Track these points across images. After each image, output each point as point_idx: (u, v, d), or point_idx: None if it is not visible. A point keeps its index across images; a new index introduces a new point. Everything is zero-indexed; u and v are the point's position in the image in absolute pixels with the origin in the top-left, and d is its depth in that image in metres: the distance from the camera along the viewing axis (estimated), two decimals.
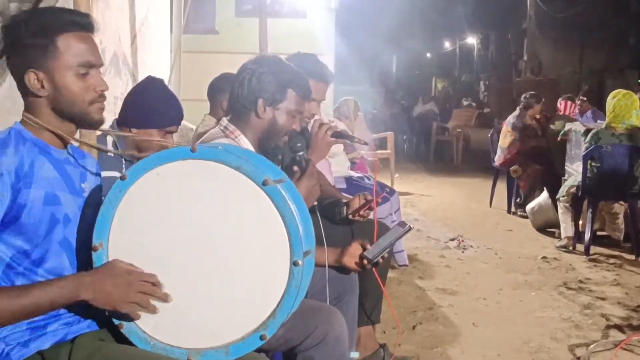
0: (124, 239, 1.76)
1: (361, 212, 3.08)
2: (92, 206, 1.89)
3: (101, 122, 1.86)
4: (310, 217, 1.91)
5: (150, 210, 1.76)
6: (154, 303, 1.72)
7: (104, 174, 2.11)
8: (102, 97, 1.84)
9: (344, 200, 3.25)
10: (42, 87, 1.77)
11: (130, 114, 2.93)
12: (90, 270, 1.73)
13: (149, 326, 1.78)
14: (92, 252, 1.76)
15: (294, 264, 1.72)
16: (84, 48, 1.80)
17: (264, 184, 1.70)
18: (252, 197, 1.71)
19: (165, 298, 1.72)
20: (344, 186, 4.81)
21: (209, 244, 1.74)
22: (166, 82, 5.88)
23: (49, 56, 1.76)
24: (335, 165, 4.82)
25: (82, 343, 1.77)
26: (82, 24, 1.80)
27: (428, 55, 48.20)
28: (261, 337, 1.75)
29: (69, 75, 1.78)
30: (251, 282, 1.75)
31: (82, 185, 1.91)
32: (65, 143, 1.88)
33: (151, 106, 2.88)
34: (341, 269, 2.74)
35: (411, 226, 2.92)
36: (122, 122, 2.93)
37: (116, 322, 1.77)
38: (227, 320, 1.77)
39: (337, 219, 3.16)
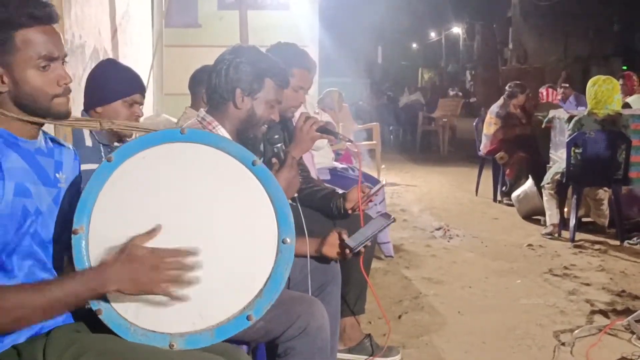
0: (106, 222, 1.72)
1: (362, 206, 3.06)
2: (71, 196, 1.86)
3: (68, 113, 1.82)
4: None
5: (135, 193, 1.73)
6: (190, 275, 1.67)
7: (83, 166, 2.09)
8: (66, 90, 1.80)
9: (340, 192, 3.23)
10: (2, 82, 1.73)
11: (91, 95, 2.95)
12: (109, 260, 1.66)
13: (130, 312, 1.74)
14: (72, 236, 1.71)
15: (283, 241, 1.71)
16: (44, 41, 1.74)
17: (253, 164, 1.70)
18: (241, 178, 1.71)
19: (194, 266, 1.67)
20: (328, 177, 4.79)
21: (194, 226, 1.72)
22: (147, 76, 5.85)
23: (6, 52, 1.71)
24: (319, 157, 4.80)
25: (57, 335, 1.75)
26: (41, 17, 1.74)
27: (414, 45, 48.28)
28: (248, 318, 1.72)
29: (29, 70, 1.73)
30: (238, 263, 1.73)
31: (57, 175, 1.86)
32: (36, 133, 1.83)
33: (106, 80, 2.91)
34: (322, 259, 2.73)
35: (394, 218, 2.92)
36: (87, 107, 2.94)
37: (95, 307, 1.72)
38: (212, 302, 1.74)
39: (334, 212, 3.14)
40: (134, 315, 1.74)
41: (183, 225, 1.72)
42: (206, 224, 1.72)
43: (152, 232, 1.68)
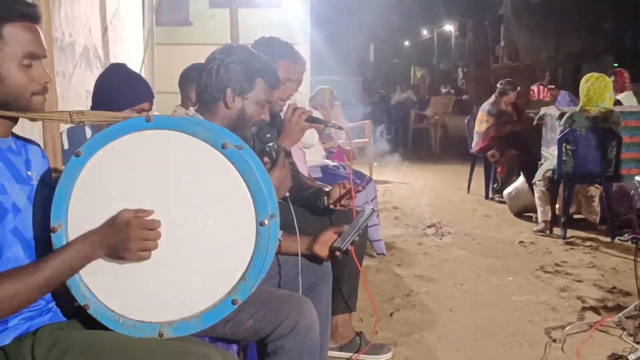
0: (83, 217, 1.73)
1: (342, 202, 3.07)
2: (43, 193, 1.86)
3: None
4: (271, 183, 1.89)
5: (109, 186, 1.72)
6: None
7: None
8: (45, 89, 1.81)
9: (325, 190, 3.24)
10: None
11: (100, 102, 2.97)
12: (99, 226, 1.71)
13: (118, 304, 1.77)
14: (52, 234, 1.73)
15: (260, 224, 1.69)
16: (29, 38, 1.76)
17: (223, 147, 1.68)
18: (213, 162, 1.69)
19: (158, 237, 1.71)
20: (320, 175, 4.79)
21: (172, 214, 1.72)
22: None
23: None
24: (310, 155, 4.81)
25: (44, 334, 1.75)
26: (27, 13, 1.76)
27: (406, 43, 48.34)
28: (233, 302, 1.73)
29: (13, 66, 1.74)
30: (219, 248, 1.73)
31: (29, 173, 1.86)
32: (7, 132, 1.83)
33: (116, 89, 2.94)
34: (313, 258, 2.72)
35: (373, 208, 2.92)
36: (95, 109, 2.94)
37: (82, 302, 1.76)
38: (197, 289, 1.75)
39: (320, 209, 3.15)
40: (121, 307, 1.76)
41: (159, 213, 1.71)
42: (183, 210, 1.72)
43: (140, 211, 1.69)
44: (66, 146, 2.82)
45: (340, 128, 3.37)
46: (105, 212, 1.71)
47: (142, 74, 6.68)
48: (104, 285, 1.77)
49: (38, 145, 1.99)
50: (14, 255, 1.76)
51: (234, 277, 1.73)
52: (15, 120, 1.83)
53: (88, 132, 2.92)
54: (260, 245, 1.71)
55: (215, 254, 1.73)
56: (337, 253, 2.64)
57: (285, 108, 3.25)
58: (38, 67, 1.79)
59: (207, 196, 1.71)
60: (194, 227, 1.72)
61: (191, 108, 2.60)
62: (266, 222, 1.69)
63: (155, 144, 1.71)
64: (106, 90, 2.95)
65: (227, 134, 1.80)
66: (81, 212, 1.73)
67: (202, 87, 2.52)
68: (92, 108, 2.98)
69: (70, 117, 1.74)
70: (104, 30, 5.90)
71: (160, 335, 1.75)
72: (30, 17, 1.77)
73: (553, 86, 9.80)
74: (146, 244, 1.69)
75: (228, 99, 2.48)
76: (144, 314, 1.76)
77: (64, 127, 2.89)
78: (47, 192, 1.83)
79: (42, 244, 1.80)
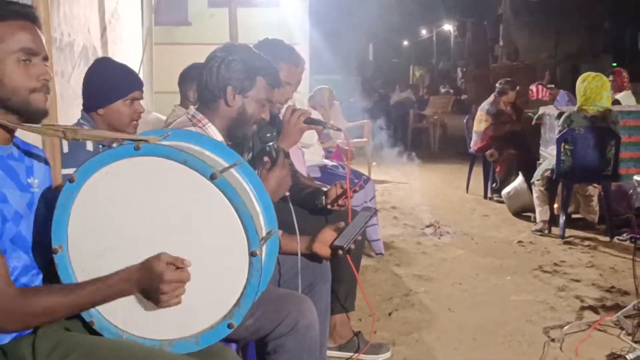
0: (83, 239, 1.76)
1: (339, 202, 3.07)
2: (45, 200, 1.86)
3: (45, 112, 1.81)
4: (269, 198, 1.89)
5: (105, 209, 1.74)
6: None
7: (68, 170, 2.09)
8: (45, 87, 1.80)
9: (323, 189, 3.24)
10: None
11: (90, 97, 2.98)
12: (134, 267, 1.73)
13: (119, 321, 1.80)
14: (53, 255, 1.76)
15: (252, 254, 1.71)
16: (26, 35, 1.76)
17: (212, 178, 1.67)
18: (203, 191, 1.69)
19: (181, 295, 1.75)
20: (319, 175, 4.79)
21: (167, 239, 1.73)
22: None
23: None
24: (309, 155, 4.80)
25: (46, 333, 1.76)
26: (23, 13, 1.77)
27: (405, 43, 48.32)
28: (229, 326, 1.77)
29: (10, 62, 1.74)
30: (213, 275, 1.75)
31: (29, 180, 1.86)
32: (8, 138, 1.82)
33: (104, 81, 2.94)
34: (313, 257, 2.73)
35: (376, 209, 2.92)
36: (87, 107, 2.96)
37: (87, 319, 1.80)
38: (194, 311, 1.78)
39: (318, 208, 3.16)
40: (123, 324, 1.80)
41: (155, 239, 1.74)
42: (176, 237, 1.74)
43: (178, 260, 1.71)
44: (65, 150, 2.81)
45: (338, 129, 3.38)
46: (104, 234, 1.75)
47: (141, 74, 6.69)
48: (107, 305, 1.80)
49: (42, 150, 1.99)
50: (17, 263, 1.76)
51: (229, 303, 1.77)
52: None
53: None
54: (253, 275, 1.73)
55: (210, 280, 1.76)
56: (340, 252, 2.64)
57: (283, 109, 3.25)
58: (37, 65, 1.79)
59: (199, 225, 1.72)
60: (189, 253, 1.73)
61: (191, 107, 2.60)
62: (257, 252, 1.71)
63: (146, 171, 1.72)
64: (95, 86, 2.95)
65: (223, 152, 1.81)
66: (80, 234, 1.76)
67: (203, 85, 2.52)
68: (84, 106, 2.99)
69: (64, 134, 1.73)
70: (103, 30, 5.90)
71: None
72: (26, 16, 1.78)
73: (552, 86, 9.82)
74: (174, 295, 1.73)
75: (228, 97, 2.48)
76: (146, 331, 1.81)
77: None
78: (51, 198, 1.84)
79: (43, 250, 1.80)
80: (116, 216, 1.73)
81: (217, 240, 1.73)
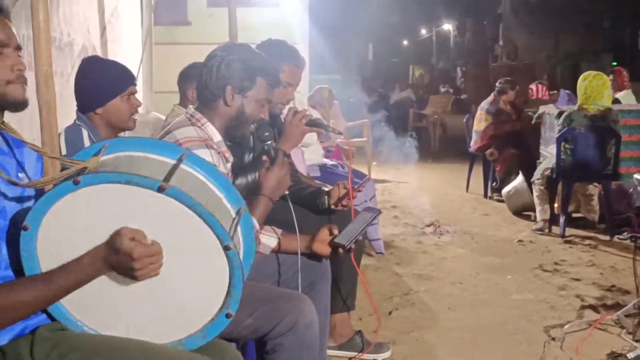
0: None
1: (343, 202, 3.07)
2: (35, 196, 1.85)
3: (24, 102, 1.80)
4: (226, 180, 1.89)
5: (70, 244, 1.70)
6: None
7: None
8: (20, 77, 1.77)
9: (325, 189, 3.24)
10: None
11: (85, 98, 2.96)
12: (103, 245, 1.68)
13: (122, 332, 1.81)
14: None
15: (226, 248, 1.71)
16: None
17: (160, 190, 1.65)
18: (158, 204, 1.67)
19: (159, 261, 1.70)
20: (318, 174, 4.79)
21: None
22: (137, 74, 5.85)
23: None
24: (309, 154, 4.81)
25: (43, 334, 1.74)
26: None
27: (405, 42, 48.32)
28: (227, 315, 1.79)
29: None
30: (198, 275, 1.76)
31: (20, 175, 1.85)
32: None
33: (98, 81, 2.92)
34: (313, 256, 2.73)
35: (380, 210, 2.92)
36: (85, 109, 2.94)
37: (79, 330, 1.79)
38: (193, 310, 1.80)
39: (320, 209, 3.15)
40: (127, 333, 1.81)
41: None
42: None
43: (138, 233, 1.66)
44: (64, 151, 2.81)
45: (340, 133, 3.38)
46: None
47: (141, 74, 6.69)
48: (105, 321, 1.80)
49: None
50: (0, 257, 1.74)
51: (221, 295, 1.78)
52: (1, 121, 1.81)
53: (85, 135, 2.91)
54: (234, 265, 1.73)
55: (196, 282, 1.77)
56: (340, 250, 2.64)
57: (285, 111, 3.25)
58: (10, 56, 1.76)
59: (167, 235, 1.70)
60: (167, 264, 1.71)
61: (190, 107, 2.60)
62: (230, 246, 1.70)
63: (96, 199, 1.68)
64: (90, 86, 2.93)
65: (164, 149, 1.83)
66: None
67: (202, 85, 2.52)
68: (79, 107, 2.97)
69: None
70: (103, 29, 5.89)
71: None
72: None
73: (555, 92, 9.82)
74: (150, 268, 1.68)
75: (228, 96, 2.48)
76: (153, 337, 1.81)
77: (62, 128, 2.89)
78: (38, 195, 1.82)
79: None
80: (83, 248, 1.70)
81: (189, 245, 1.73)
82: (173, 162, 1.79)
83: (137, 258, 1.64)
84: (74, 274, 1.68)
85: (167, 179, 1.68)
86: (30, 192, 1.86)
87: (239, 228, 1.85)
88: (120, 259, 1.65)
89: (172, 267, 1.72)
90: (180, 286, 1.76)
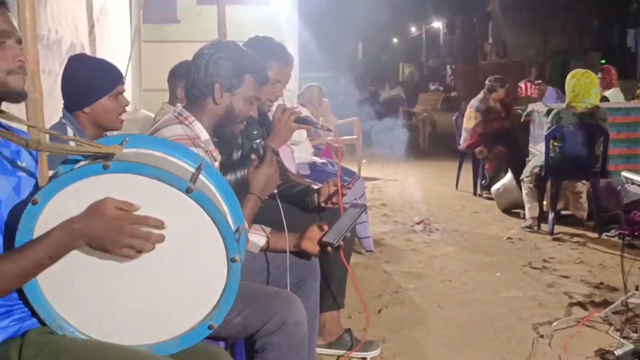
0: None
1: (333, 199, 3.07)
2: (32, 185, 1.84)
3: (24, 94, 1.79)
4: (234, 196, 1.88)
5: None
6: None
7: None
8: (21, 68, 1.77)
9: (315, 187, 3.24)
10: None
11: (72, 97, 2.91)
12: (77, 215, 1.63)
13: (94, 332, 1.75)
14: None
15: (232, 260, 1.70)
16: None
17: (188, 192, 1.64)
18: (179, 204, 1.66)
19: (161, 239, 1.65)
20: (308, 172, 4.79)
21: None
22: (125, 72, 5.82)
23: None
24: (298, 152, 4.80)
25: (32, 337, 1.73)
26: None
27: (394, 40, 48.36)
28: (209, 327, 1.75)
29: None
30: (193, 281, 1.74)
31: (16, 163, 1.83)
32: None
33: (85, 80, 2.87)
34: (302, 254, 2.73)
35: (365, 205, 2.92)
36: (71, 107, 2.90)
37: (60, 333, 1.74)
38: (173, 315, 1.76)
39: (310, 207, 3.15)
40: (98, 333, 1.75)
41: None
42: (157, 250, 1.68)
43: (127, 204, 1.63)
44: None
45: (329, 130, 3.37)
46: (74, 256, 1.67)
47: (129, 71, 6.67)
48: (78, 313, 1.75)
49: (29, 135, 1.95)
50: None
51: (209, 305, 1.75)
52: None
53: (70, 134, 2.88)
54: (232, 277, 1.72)
55: (190, 285, 1.74)
56: (329, 249, 2.64)
57: (274, 108, 3.24)
58: (12, 47, 1.76)
59: (177, 237, 1.68)
60: (168, 262, 1.70)
61: (178, 105, 2.58)
62: (237, 258, 1.70)
63: (117, 188, 1.65)
64: (78, 85, 2.88)
65: (186, 155, 1.80)
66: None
67: (191, 83, 2.50)
68: (65, 105, 2.94)
69: (27, 144, 1.69)
70: (91, 27, 5.87)
71: None
72: None
73: (540, 81, 9.85)
74: (135, 242, 1.63)
75: (216, 94, 2.46)
76: (122, 338, 1.76)
77: (49, 125, 2.87)
78: (33, 185, 1.82)
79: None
80: None
81: (195, 250, 1.71)
82: (192, 168, 1.77)
83: (127, 223, 1.60)
84: (44, 247, 1.62)
85: (193, 182, 1.67)
86: (27, 184, 1.85)
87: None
88: (104, 225, 1.60)
89: (168, 266, 1.70)
90: (169, 287, 1.73)
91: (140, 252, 1.64)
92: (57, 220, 1.64)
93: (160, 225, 1.65)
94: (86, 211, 1.63)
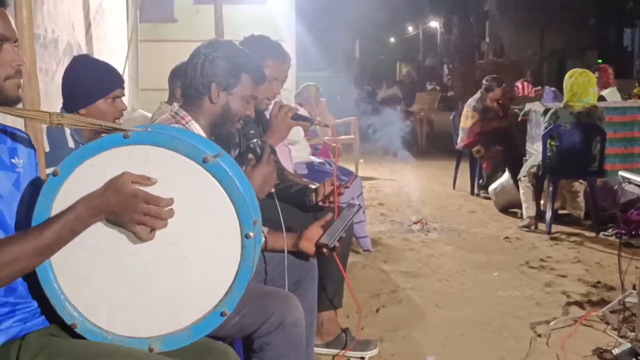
0: None
1: (331, 199, 3.06)
2: (30, 182, 1.84)
3: (17, 99, 1.77)
4: (252, 188, 1.88)
5: None
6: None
7: (50, 170, 2.05)
8: (18, 72, 1.75)
9: (312, 187, 3.23)
10: None
11: (71, 97, 2.92)
12: (97, 191, 1.66)
13: (103, 321, 1.74)
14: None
15: (246, 236, 1.68)
16: None
17: (204, 162, 1.65)
18: (195, 176, 1.67)
19: (171, 214, 1.67)
20: (305, 172, 4.79)
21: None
22: (122, 71, 5.81)
23: None
24: (296, 151, 4.80)
25: (31, 339, 1.73)
26: None
27: (392, 39, 48.38)
28: (222, 314, 1.72)
29: None
30: (205, 262, 1.71)
31: (13, 160, 1.82)
32: None
33: (84, 80, 2.88)
34: (300, 254, 2.72)
35: (359, 204, 2.91)
36: (68, 107, 2.90)
37: (69, 321, 1.74)
38: (184, 303, 1.73)
39: (308, 206, 3.15)
40: (107, 323, 1.75)
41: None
42: (167, 226, 1.68)
43: (144, 177, 1.66)
44: (47, 148, 2.78)
45: (326, 126, 3.36)
46: (89, 230, 1.68)
47: (126, 71, 6.66)
48: (89, 302, 1.74)
49: (25, 133, 1.95)
50: None
51: (222, 290, 1.72)
52: None
53: (67, 133, 2.88)
54: (246, 257, 1.70)
55: (202, 268, 1.72)
56: (324, 250, 2.64)
57: (271, 106, 3.24)
58: (9, 51, 1.73)
59: (191, 211, 1.68)
60: (180, 242, 1.69)
61: (175, 104, 2.58)
62: (251, 234, 1.68)
63: (135, 160, 1.67)
64: (76, 86, 2.89)
65: (204, 144, 1.79)
66: None
67: (187, 82, 2.50)
68: (64, 104, 2.95)
69: (50, 117, 1.69)
70: (88, 26, 5.87)
71: (151, 350, 1.74)
72: None
73: (539, 88, 9.86)
74: (147, 220, 1.65)
75: (213, 94, 2.46)
76: (132, 329, 1.74)
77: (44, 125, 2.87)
78: (33, 181, 1.82)
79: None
80: None
81: (209, 226, 1.70)
82: (212, 154, 1.77)
83: (142, 201, 1.63)
84: (67, 222, 1.64)
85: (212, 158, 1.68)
86: (27, 180, 1.84)
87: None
88: (121, 201, 1.63)
89: (181, 245, 1.69)
90: (181, 268, 1.71)
91: (152, 230, 1.67)
92: (76, 193, 1.66)
93: (170, 203, 1.67)
94: (105, 186, 1.66)
